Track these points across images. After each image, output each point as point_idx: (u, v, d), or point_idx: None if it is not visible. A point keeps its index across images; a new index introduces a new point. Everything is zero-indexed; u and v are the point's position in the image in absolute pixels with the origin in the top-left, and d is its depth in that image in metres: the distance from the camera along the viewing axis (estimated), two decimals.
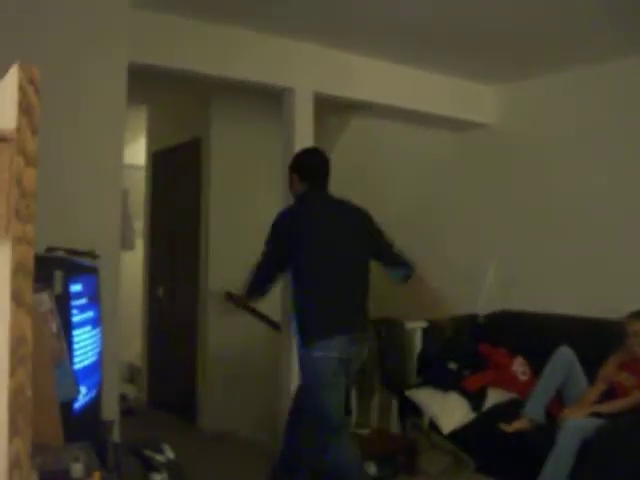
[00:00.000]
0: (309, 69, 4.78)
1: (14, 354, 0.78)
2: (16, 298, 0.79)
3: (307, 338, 3.61)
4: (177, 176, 6.58)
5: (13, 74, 0.83)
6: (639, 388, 3.89)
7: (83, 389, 2.45)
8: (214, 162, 6.00)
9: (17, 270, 0.80)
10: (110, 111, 3.73)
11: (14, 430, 0.77)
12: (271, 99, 5.03)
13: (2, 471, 0.77)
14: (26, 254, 0.80)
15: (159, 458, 2.65)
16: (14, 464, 0.77)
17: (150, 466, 2.61)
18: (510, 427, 4.06)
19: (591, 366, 4.16)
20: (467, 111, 5.68)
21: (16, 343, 0.78)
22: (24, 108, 0.82)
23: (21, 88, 0.82)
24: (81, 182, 3.55)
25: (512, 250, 5.54)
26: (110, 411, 3.46)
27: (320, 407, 3.60)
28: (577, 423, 3.73)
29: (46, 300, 1.91)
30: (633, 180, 4.80)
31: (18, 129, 0.82)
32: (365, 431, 4.65)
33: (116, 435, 3.34)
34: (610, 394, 3.98)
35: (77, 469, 1.68)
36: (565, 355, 4.18)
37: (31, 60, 2.65)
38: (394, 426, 4.99)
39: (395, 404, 5.01)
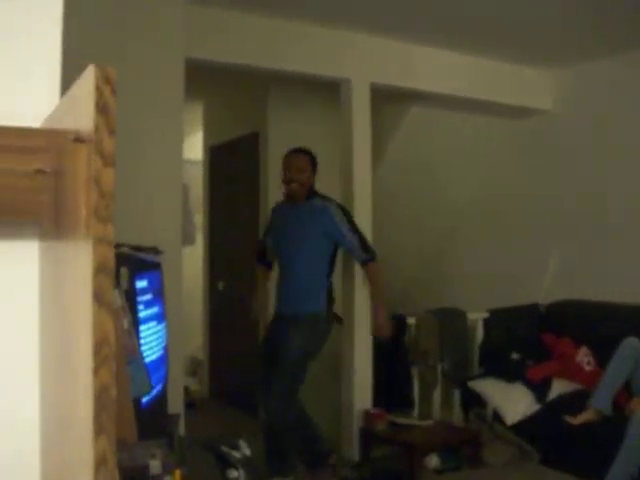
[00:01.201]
0: (365, 60, 4.76)
1: (97, 354, 0.79)
2: (98, 298, 0.80)
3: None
4: (235, 170, 6.62)
5: (89, 74, 0.84)
6: None
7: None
8: (272, 155, 6.00)
9: (98, 270, 0.80)
10: (168, 107, 3.77)
11: (100, 428, 0.78)
12: (328, 91, 5.03)
13: (89, 468, 0.78)
14: (106, 254, 0.81)
15: (235, 454, 2.67)
16: (101, 461, 0.78)
17: (226, 462, 2.64)
18: (576, 419, 3.99)
19: None
20: (526, 97, 5.59)
21: (99, 343, 0.79)
22: (101, 108, 0.82)
23: (98, 88, 0.82)
24: (142, 179, 3.58)
25: (575, 238, 5.44)
26: (175, 405, 3.50)
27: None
28: None
29: (117, 297, 1.93)
30: None
31: (96, 129, 0.82)
32: (428, 422, 4.61)
33: (181, 428, 3.39)
34: None
35: (155, 466, 1.71)
36: (632, 346, 4.09)
37: (97, 48, 2.69)
38: (457, 417, 4.95)
39: (458, 395, 4.97)
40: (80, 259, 0.85)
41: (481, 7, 4.24)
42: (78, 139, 0.86)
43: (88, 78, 0.84)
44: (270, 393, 4.06)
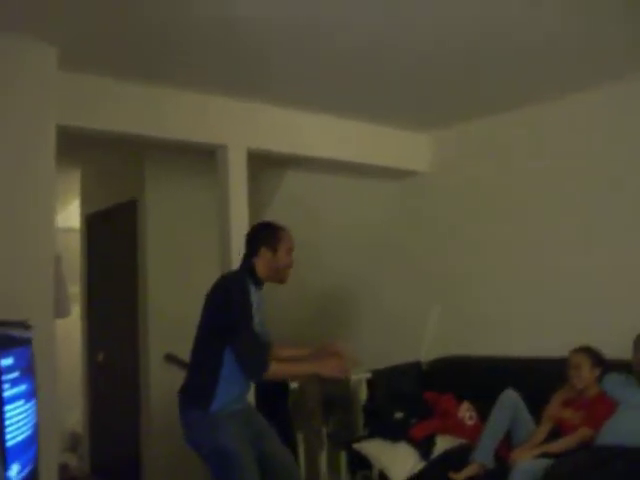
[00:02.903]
0: (242, 125, 4.78)
1: None
2: None
3: None
4: (113, 238, 6.51)
5: None
6: (585, 424, 3.93)
7: (16, 467, 2.36)
8: (150, 222, 5.95)
9: None
10: (40, 175, 3.67)
11: None
12: (205, 156, 5.03)
13: None
14: None
15: None
16: None
17: None
18: (460, 475, 4.04)
19: (538, 407, 4.20)
20: (403, 160, 5.76)
21: None
22: None
23: None
24: (11, 250, 3.47)
25: (453, 296, 5.59)
26: None
27: None
28: (527, 466, 3.73)
29: None
30: (564, 219, 4.94)
31: None
32: None
33: None
34: (558, 432, 4.01)
35: None
36: (510, 398, 4.21)
37: None
38: None
39: (344, 458, 4.95)
40: None
41: (353, 73, 4.36)
42: None
43: None
44: (290, 457, 3.67)
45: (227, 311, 3.29)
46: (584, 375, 4.07)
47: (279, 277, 3.55)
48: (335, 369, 3.43)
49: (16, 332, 2.78)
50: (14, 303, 3.26)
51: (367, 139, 5.49)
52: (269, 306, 3.73)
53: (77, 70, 3.99)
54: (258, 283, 3.48)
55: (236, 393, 3.41)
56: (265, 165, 6.15)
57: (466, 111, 5.30)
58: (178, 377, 5.22)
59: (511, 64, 4.24)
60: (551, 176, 5.01)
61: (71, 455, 6.74)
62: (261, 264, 3.48)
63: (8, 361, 2.41)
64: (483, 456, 4.09)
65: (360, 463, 4.65)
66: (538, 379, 4.52)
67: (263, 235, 3.54)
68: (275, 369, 3.28)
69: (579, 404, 4.07)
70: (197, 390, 3.40)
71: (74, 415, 6.87)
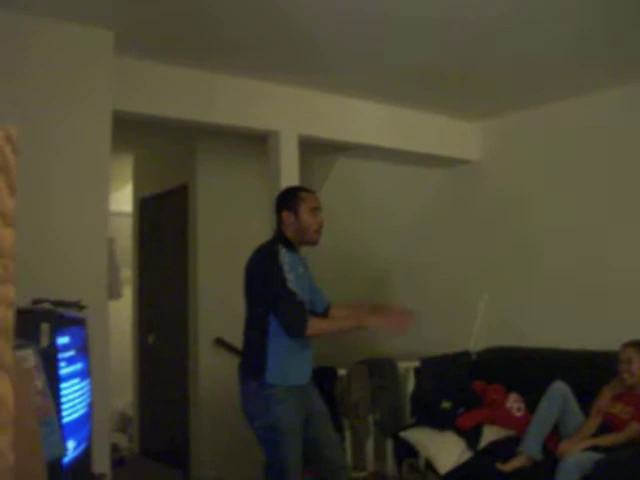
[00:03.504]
0: (293, 112, 4.80)
1: None
2: None
3: None
4: (164, 222, 6.58)
5: None
6: (635, 419, 3.87)
7: (72, 443, 2.41)
8: (201, 207, 6.00)
9: None
10: (95, 159, 3.73)
11: None
12: (256, 142, 5.05)
13: None
14: (5, 316, 0.79)
15: None
16: None
17: None
18: (507, 466, 4.01)
19: (587, 399, 4.16)
20: (452, 148, 5.72)
21: None
22: (0, 167, 0.81)
23: None
24: (66, 232, 3.54)
25: (502, 286, 5.54)
26: (101, 463, 3.41)
27: None
28: (575, 459, 3.70)
29: (30, 356, 1.88)
30: (615, 211, 4.84)
31: None
32: (362, 474, 4.59)
33: None
34: (607, 427, 3.96)
35: None
36: (559, 390, 4.17)
37: (17, 109, 2.66)
38: (390, 468, 4.93)
39: (390, 446, 4.95)
40: None
41: (406, 61, 4.34)
42: None
43: None
44: (336, 447, 3.63)
45: (258, 278, 3.36)
46: (635, 370, 4.00)
47: (307, 238, 3.48)
48: (385, 319, 3.40)
49: (71, 312, 2.84)
50: (69, 285, 3.33)
51: (417, 127, 5.46)
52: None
53: (131, 55, 4.04)
54: (292, 247, 3.44)
55: (291, 365, 3.38)
56: (316, 152, 6.15)
57: (517, 100, 5.24)
58: (227, 361, 5.32)
59: (564, 53, 4.18)
60: (601, 165, 4.92)
61: (120, 435, 6.84)
62: (287, 228, 3.45)
63: (64, 340, 2.46)
64: (531, 448, 4.06)
65: (406, 451, 4.66)
66: (587, 372, 4.48)
67: (283, 199, 3.53)
68: (316, 326, 3.31)
69: (629, 399, 4.01)
70: (249, 360, 3.43)
71: (125, 396, 6.97)
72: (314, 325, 3.29)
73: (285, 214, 3.45)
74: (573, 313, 5.00)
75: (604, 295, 4.84)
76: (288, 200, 3.49)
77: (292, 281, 3.30)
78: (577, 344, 4.76)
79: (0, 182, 0.80)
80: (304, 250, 3.54)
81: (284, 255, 3.35)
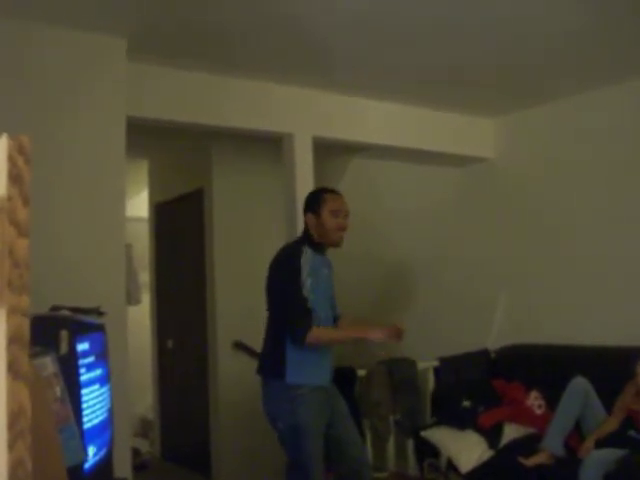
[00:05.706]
0: (307, 114, 4.81)
1: (12, 428, 0.77)
2: (12, 370, 0.78)
3: None
4: (181, 227, 6.61)
5: (2, 144, 0.83)
6: None
7: (92, 449, 2.42)
8: (217, 211, 6.02)
9: (12, 341, 0.79)
10: (110, 165, 3.75)
11: None
12: (271, 145, 5.06)
13: None
14: (20, 325, 0.80)
15: None
16: None
17: None
18: (529, 461, 3.99)
19: (608, 396, 4.11)
20: (468, 146, 5.70)
21: (14, 416, 0.77)
22: (14, 178, 0.82)
23: (11, 157, 0.82)
24: (85, 239, 3.56)
25: (520, 283, 5.52)
26: (123, 468, 3.42)
27: None
28: (599, 456, 3.67)
29: (49, 364, 1.89)
30: (635, 208, 4.80)
31: (9, 199, 0.82)
32: (383, 474, 4.58)
33: None
34: (631, 424, 3.92)
35: None
36: (580, 385, 4.13)
37: (32, 116, 2.68)
38: (412, 468, 4.92)
39: (411, 445, 4.95)
40: None
41: (420, 60, 4.33)
42: None
43: (1, 147, 0.83)
44: (360, 446, 3.68)
45: (277, 278, 3.45)
46: None
47: (330, 240, 3.52)
48: (384, 332, 3.41)
49: (90, 318, 2.86)
50: (88, 291, 3.36)
51: (432, 126, 5.44)
52: (339, 295, 3.75)
53: (145, 61, 4.06)
54: (317, 249, 3.50)
55: (310, 365, 3.39)
56: (330, 153, 6.15)
57: (534, 97, 5.22)
58: (246, 364, 5.33)
59: (580, 47, 4.16)
60: (619, 162, 4.89)
61: (142, 440, 6.87)
62: (312, 229, 3.52)
63: (84, 346, 2.47)
64: (552, 444, 4.03)
65: (428, 451, 4.65)
66: (608, 368, 4.43)
67: (307, 201, 3.63)
68: (317, 334, 3.31)
69: None
70: (269, 359, 3.45)
71: (145, 401, 7.01)
72: (317, 334, 3.31)
73: (309, 215, 3.55)
74: (592, 309, 4.96)
75: (624, 290, 4.80)
76: (311, 202, 3.59)
77: (307, 286, 3.33)
78: (597, 340, 4.72)
79: (14, 192, 0.81)
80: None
81: (307, 256, 3.40)
